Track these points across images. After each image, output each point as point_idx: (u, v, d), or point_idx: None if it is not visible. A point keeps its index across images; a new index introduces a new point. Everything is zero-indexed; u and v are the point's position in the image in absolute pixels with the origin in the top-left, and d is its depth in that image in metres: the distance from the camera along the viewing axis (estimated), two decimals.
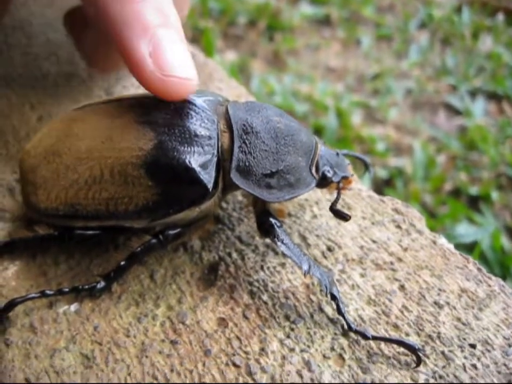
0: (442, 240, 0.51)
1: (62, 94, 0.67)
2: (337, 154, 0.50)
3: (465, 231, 1.05)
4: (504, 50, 1.65)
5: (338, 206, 0.53)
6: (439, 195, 1.19)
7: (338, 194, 0.47)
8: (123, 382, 0.39)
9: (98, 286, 0.44)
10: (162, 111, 0.43)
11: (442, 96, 1.51)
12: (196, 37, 1.62)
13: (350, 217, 0.45)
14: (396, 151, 1.33)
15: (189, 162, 0.41)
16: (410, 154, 1.30)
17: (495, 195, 1.18)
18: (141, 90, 0.45)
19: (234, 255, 0.48)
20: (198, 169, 0.41)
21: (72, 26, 0.63)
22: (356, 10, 1.86)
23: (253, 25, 1.73)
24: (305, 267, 0.42)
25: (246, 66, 1.56)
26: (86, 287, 0.44)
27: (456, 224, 1.09)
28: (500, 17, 1.77)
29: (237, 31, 1.73)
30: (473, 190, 1.20)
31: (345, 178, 0.49)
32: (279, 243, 0.43)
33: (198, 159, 0.42)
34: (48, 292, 0.43)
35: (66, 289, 0.44)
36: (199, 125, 0.43)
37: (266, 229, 0.44)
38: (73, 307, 0.44)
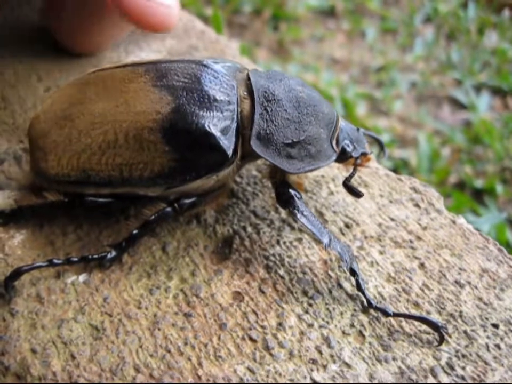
0: (461, 220, 0.50)
1: (70, 66, 0.65)
2: (358, 129, 0.48)
3: (470, 219, 1.04)
4: (510, 46, 1.64)
5: (355, 184, 0.52)
6: (443, 187, 1.18)
7: (354, 170, 0.46)
8: (134, 354, 0.38)
9: (109, 255, 0.42)
10: (179, 75, 0.42)
11: (447, 90, 1.50)
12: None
13: (362, 194, 0.44)
14: (400, 143, 1.32)
15: (208, 127, 0.40)
16: (415, 147, 1.29)
17: (499, 188, 1.17)
18: None
19: (249, 229, 0.47)
20: (217, 134, 0.40)
21: (48, 15, 0.65)
22: (361, 3, 1.84)
23: (257, 14, 1.71)
24: (325, 240, 0.41)
25: (251, 54, 1.54)
26: (96, 256, 0.42)
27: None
28: (506, 13, 1.76)
29: (242, 19, 1.71)
30: (478, 183, 1.19)
31: (364, 154, 0.47)
32: (299, 215, 0.41)
33: (217, 124, 0.40)
34: (56, 260, 0.42)
35: (75, 259, 0.42)
36: (218, 89, 0.41)
37: (285, 200, 0.42)
38: (81, 277, 0.42)
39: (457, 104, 1.46)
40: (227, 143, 0.40)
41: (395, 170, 1.22)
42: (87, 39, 0.63)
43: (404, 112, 1.42)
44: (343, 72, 1.56)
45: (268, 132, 0.41)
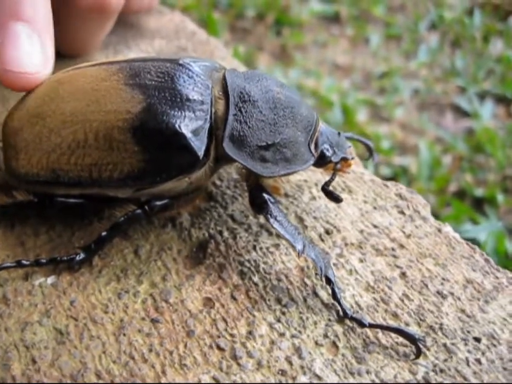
0: (447, 229, 0.48)
1: (56, 66, 0.64)
2: (339, 134, 0.47)
3: (467, 228, 1.02)
4: None
5: (338, 189, 0.50)
6: (443, 196, 1.16)
7: (333, 175, 0.44)
8: (97, 360, 0.36)
9: (78, 257, 0.41)
10: (152, 74, 0.41)
11: (450, 97, 1.48)
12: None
13: (342, 198, 0.42)
14: (400, 150, 1.30)
15: (179, 127, 0.38)
16: (416, 154, 1.27)
17: (500, 198, 1.14)
18: None
19: (226, 233, 0.45)
20: (188, 135, 0.39)
21: None
22: (366, 9, 1.83)
23: (261, 19, 1.71)
24: (299, 247, 0.39)
25: (253, 59, 1.53)
26: (65, 258, 0.41)
27: (459, 225, 1.06)
28: None
29: (245, 24, 1.70)
30: (479, 192, 1.16)
31: (344, 160, 0.46)
32: (272, 220, 0.40)
33: (189, 124, 0.39)
34: (24, 261, 0.41)
35: (44, 260, 0.41)
36: (191, 89, 0.40)
37: (258, 205, 0.41)
38: (50, 280, 0.41)
39: (460, 112, 1.44)
40: (198, 144, 0.39)
41: (394, 177, 1.21)
42: (65, 43, 0.61)
43: (406, 119, 1.40)
44: (345, 78, 1.55)
45: (241, 133, 0.40)
